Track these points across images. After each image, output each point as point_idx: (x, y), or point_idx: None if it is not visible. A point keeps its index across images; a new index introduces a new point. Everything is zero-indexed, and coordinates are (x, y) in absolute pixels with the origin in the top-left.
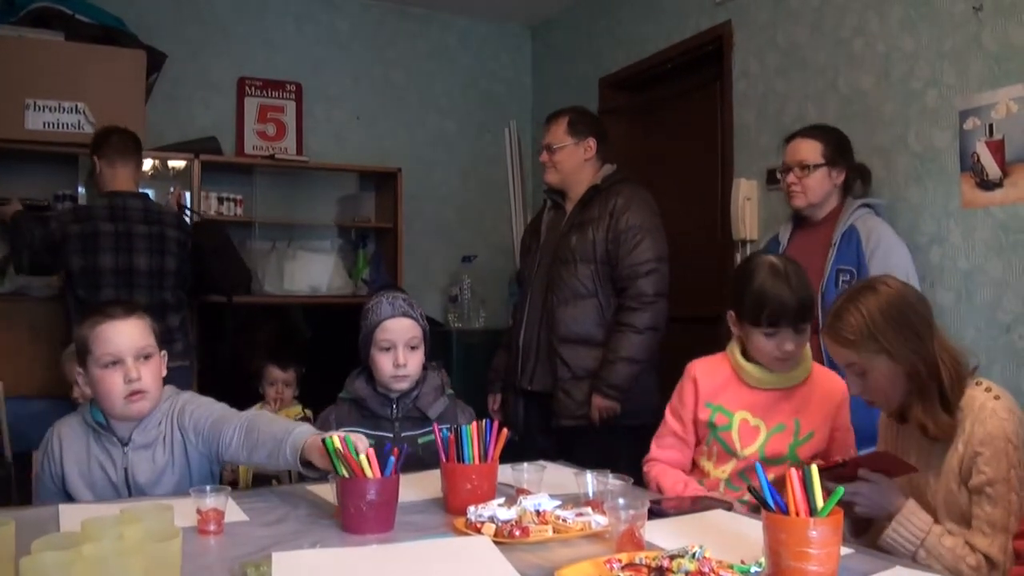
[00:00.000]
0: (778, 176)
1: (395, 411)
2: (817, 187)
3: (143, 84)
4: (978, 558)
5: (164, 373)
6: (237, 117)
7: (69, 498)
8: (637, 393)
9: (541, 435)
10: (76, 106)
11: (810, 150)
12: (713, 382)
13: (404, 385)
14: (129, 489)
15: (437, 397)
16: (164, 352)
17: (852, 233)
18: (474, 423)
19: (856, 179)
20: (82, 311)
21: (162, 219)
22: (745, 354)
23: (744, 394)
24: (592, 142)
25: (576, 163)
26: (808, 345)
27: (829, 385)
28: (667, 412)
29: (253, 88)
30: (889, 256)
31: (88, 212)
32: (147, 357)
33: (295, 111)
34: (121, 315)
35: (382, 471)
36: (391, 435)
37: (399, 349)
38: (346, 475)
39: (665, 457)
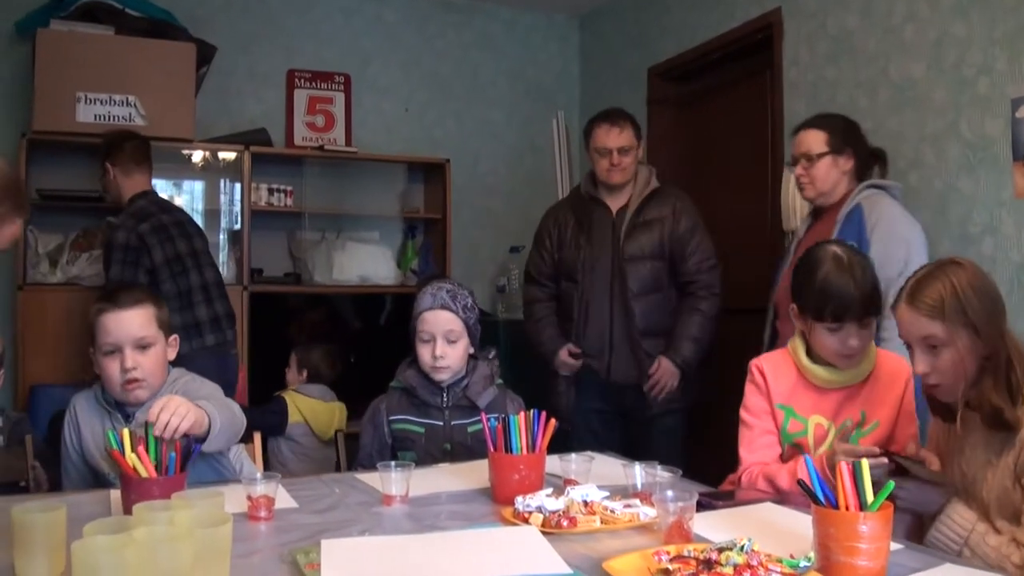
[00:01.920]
0: (786, 170)
1: (445, 400)
2: (824, 176)
3: (193, 77)
4: None
5: (172, 357)
6: (287, 109)
7: (89, 469)
8: (689, 376)
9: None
10: (127, 99)
11: (814, 140)
12: (781, 383)
13: (444, 376)
14: None
15: (486, 386)
16: (175, 337)
17: (856, 211)
18: (522, 413)
19: (871, 165)
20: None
21: (180, 210)
22: (809, 353)
23: (814, 397)
24: (644, 143)
25: (636, 164)
26: (873, 338)
27: (894, 368)
28: (746, 416)
29: (302, 80)
30: (893, 229)
31: (143, 211)
32: (146, 347)
33: (344, 102)
34: (126, 304)
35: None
36: (441, 423)
37: (437, 341)
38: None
39: (761, 459)
